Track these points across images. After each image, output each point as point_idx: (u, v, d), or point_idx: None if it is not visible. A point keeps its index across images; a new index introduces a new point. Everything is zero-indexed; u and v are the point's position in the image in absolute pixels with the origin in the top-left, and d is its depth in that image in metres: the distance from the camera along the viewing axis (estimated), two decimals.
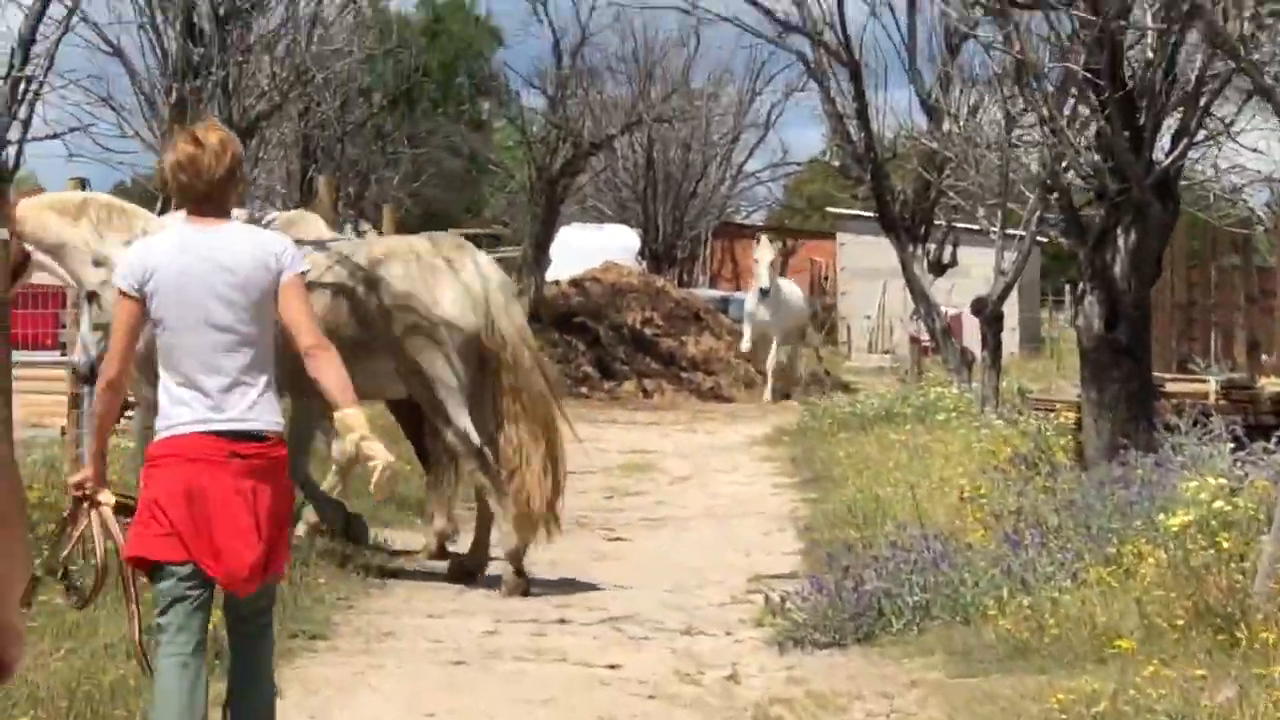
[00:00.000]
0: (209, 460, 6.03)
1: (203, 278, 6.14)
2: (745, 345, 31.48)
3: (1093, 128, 11.59)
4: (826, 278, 53.87)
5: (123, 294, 6.16)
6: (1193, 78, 11.28)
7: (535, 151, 32.50)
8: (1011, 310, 48.96)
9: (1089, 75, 11.14)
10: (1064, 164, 12.47)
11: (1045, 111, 11.77)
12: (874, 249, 47.56)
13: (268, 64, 13.96)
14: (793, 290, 32.40)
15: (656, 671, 9.83)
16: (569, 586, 12.03)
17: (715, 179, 42.01)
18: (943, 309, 36.41)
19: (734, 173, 45.32)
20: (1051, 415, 15.54)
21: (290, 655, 9.66)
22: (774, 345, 31.12)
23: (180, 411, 6.11)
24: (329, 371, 6.36)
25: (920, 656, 9.77)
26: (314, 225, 12.77)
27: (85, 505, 6.25)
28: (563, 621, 10.82)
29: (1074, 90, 12.05)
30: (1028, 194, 18.60)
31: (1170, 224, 11.96)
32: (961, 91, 23.12)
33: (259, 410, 6.17)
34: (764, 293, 30.49)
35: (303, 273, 6.49)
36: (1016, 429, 15.55)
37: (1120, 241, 11.73)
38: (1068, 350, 36.80)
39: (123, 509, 6.27)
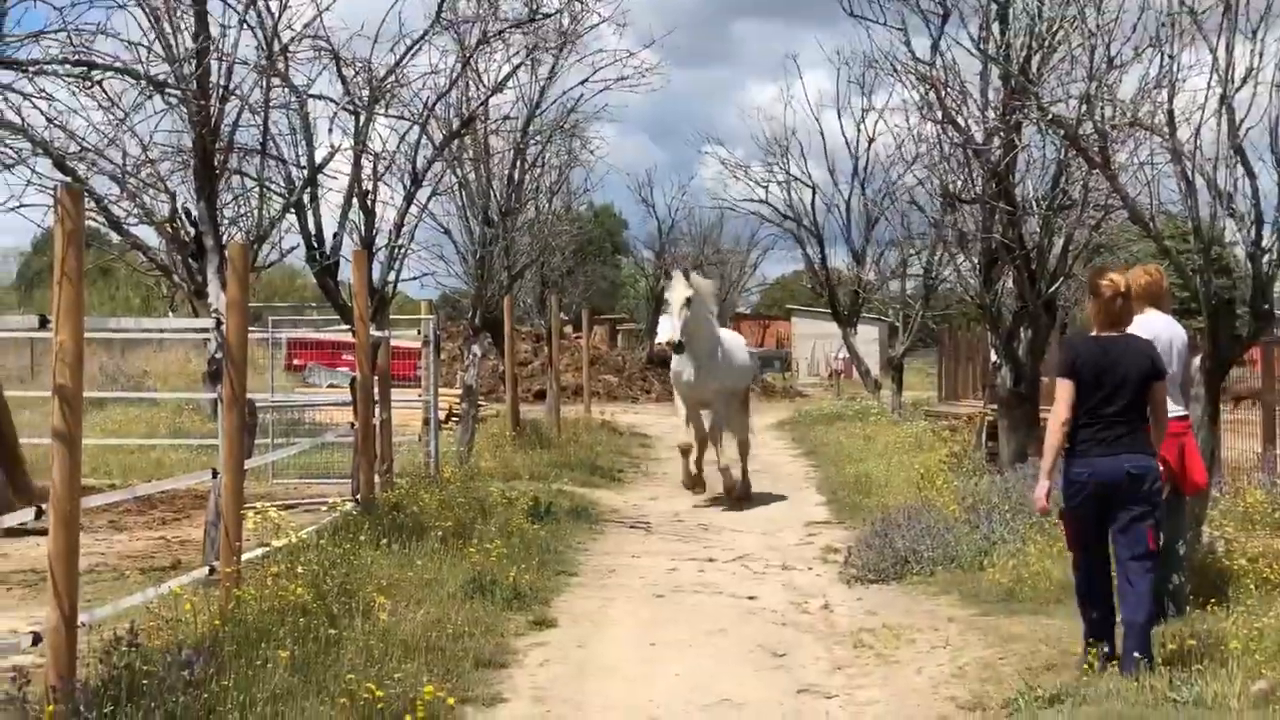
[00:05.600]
0: None
1: None
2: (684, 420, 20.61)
3: (1009, 273, 17.44)
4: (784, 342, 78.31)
5: None
6: (1060, 245, 17.06)
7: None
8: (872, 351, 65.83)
9: (1006, 243, 16.92)
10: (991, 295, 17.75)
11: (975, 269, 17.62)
12: (812, 325, 72.20)
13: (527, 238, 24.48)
14: (732, 339, 22.00)
15: (780, 602, 11.56)
16: (708, 531, 16.47)
17: None
18: (842, 355, 53.78)
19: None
20: (940, 421, 25.41)
21: (558, 589, 12.09)
22: (714, 422, 20.54)
23: None
24: None
25: (942, 595, 11.35)
26: None
27: None
28: (711, 560, 14.39)
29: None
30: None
31: (1051, 326, 17.59)
32: (884, 249, 37.96)
33: None
34: (677, 347, 19.82)
35: None
36: (915, 427, 24.56)
37: (1023, 334, 17.47)
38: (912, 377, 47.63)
39: None
